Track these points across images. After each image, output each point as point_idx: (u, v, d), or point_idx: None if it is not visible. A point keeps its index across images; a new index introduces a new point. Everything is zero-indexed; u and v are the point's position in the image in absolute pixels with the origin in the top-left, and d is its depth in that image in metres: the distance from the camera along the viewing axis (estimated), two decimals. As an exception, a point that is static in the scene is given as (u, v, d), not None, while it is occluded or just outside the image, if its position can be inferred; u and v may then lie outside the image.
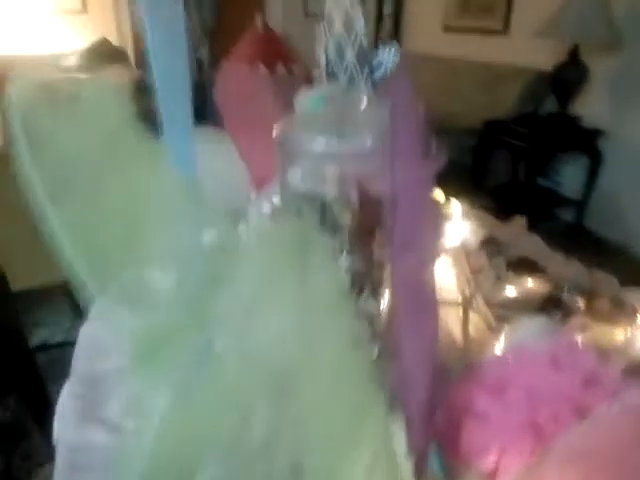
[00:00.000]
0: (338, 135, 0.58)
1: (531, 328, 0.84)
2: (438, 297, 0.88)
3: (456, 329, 0.86)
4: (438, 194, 0.99)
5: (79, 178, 0.26)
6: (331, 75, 0.87)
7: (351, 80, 0.82)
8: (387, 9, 4.59)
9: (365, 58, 0.76)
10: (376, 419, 0.37)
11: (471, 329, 0.86)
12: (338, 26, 0.81)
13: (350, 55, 0.80)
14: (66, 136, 0.25)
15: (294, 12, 4.67)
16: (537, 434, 0.38)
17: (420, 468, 0.43)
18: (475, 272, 0.97)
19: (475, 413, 0.41)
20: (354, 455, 0.36)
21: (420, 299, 0.46)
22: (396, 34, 4.54)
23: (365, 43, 0.76)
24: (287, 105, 0.83)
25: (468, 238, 1.07)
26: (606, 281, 1.05)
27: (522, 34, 3.16)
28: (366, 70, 0.77)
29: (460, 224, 0.95)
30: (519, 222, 1.30)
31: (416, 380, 0.45)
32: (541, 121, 2.97)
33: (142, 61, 4.57)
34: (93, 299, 0.26)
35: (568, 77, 2.73)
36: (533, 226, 3.31)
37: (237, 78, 1.03)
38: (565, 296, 0.98)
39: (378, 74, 0.76)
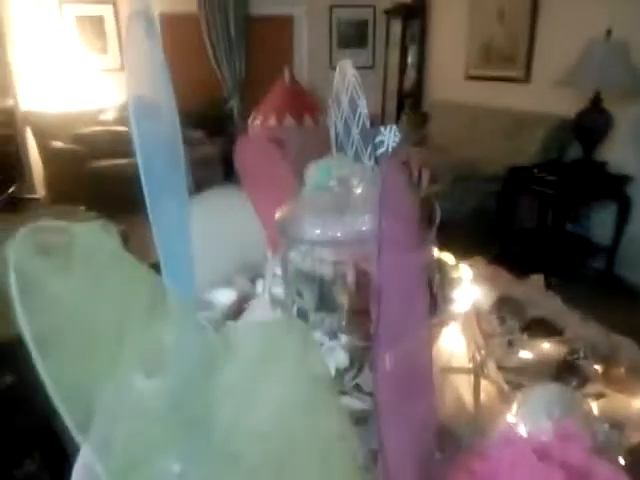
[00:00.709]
0: (337, 217, 0.61)
1: (544, 397, 0.83)
2: (448, 364, 0.88)
3: (467, 395, 0.86)
4: (448, 258, 1.00)
5: (71, 325, 0.29)
6: (340, 149, 0.92)
7: (357, 155, 0.86)
8: (411, 58, 4.73)
9: (368, 136, 0.80)
10: None
11: (482, 396, 0.85)
12: (344, 105, 0.86)
13: (355, 132, 0.84)
14: (60, 286, 0.28)
15: (320, 64, 4.85)
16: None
17: None
18: (487, 337, 0.97)
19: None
20: None
21: (410, 386, 0.47)
22: (420, 83, 4.64)
23: (367, 123, 0.80)
24: (311, 157, 0.87)
25: (480, 301, 1.07)
26: (624, 345, 1.02)
27: (543, 82, 3.19)
28: (370, 147, 0.81)
29: (470, 288, 0.96)
30: (536, 280, 1.29)
31: (403, 466, 0.46)
32: (566, 167, 2.96)
33: (178, 114, 4.80)
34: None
35: (591, 124, 2.73)
36: (563, 273, 3.25)
37: (255, 149, 1.09)
38: (581, 361, 0.96)
39: (380, 152, 0.80)
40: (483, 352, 0.87)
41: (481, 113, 3.64)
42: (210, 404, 0.40)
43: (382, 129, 0.78)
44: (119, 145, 3.80)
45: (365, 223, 0.61)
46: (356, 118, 0.82)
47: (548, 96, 3.14)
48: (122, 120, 4.09)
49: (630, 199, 2.84)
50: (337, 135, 0.90)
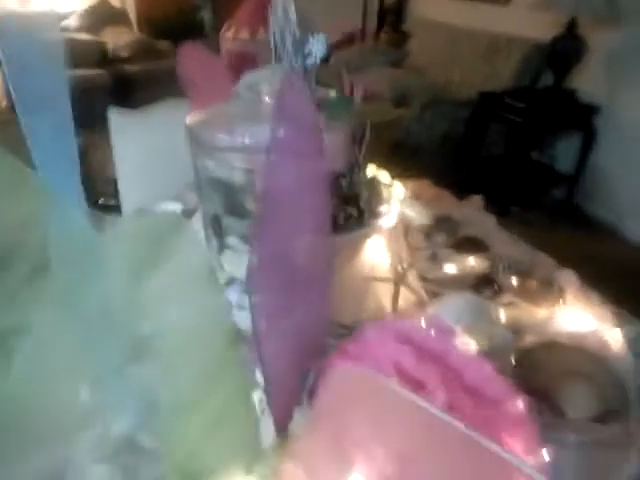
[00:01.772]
0: (247, 125, 0.63)
1: (454, 304, 0.90)
2: (371, 274, 0.94)
3: (387, 303, 0.92)
4: (382, 176, 1.03)
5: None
6: (278, 59, 0.91)
7: (291, 66, 0.86)
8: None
9: (298, 47, 0.80)
10: (231, 376, 0.44)
11: (402, 303, 0.92)
12: (279, 13, 0.85)
13: (288, 43, 0.84)
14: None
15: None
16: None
17: (282, 426, 0.50)
18: (413, 250, 1.02)
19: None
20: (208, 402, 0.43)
21: (292, 286, 0.51)
22: (401, 1, 4.44)
23: (297, 33, 0.80)
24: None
25: (415, 218, 1.12)
26: (544, 262, 1.10)
27: (522, 4, 3.09)
28: (300, 57, 0.81)
29: (401, 205, 1.00)
30: (475, 201, 1.34)
31: (282, 370, 0.50)
32: (536, 95, 2.94)
33: (144, 24, 4.53)
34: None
35: (564, 50, 2.69)
36: (525, 201, 3.32)
37: (197, 58, 1.07)
38: (500, 275, 1.04)
39: (309, 62, 0.81)
40: (405, 264, 0.93)
41: (461, 34, 3.54)
42: (99, 293, 0.44)
43: (310, 38, 0.77)
44: (82, 55, 3.61)
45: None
46: (289, 27, 0.81)
47: (525, 19, 3.05)
48: (86, 28, 3.87)
49: (596, 129, 2.86)
50: (276, 46, 0.90)
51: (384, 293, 0.94)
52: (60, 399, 0.59)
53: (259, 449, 0.46)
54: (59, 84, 0.39)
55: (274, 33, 0.90)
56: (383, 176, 1.04)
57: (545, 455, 0.51)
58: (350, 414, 0.36)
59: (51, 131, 0.38)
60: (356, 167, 0.91)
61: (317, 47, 0.78)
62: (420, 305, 0.94)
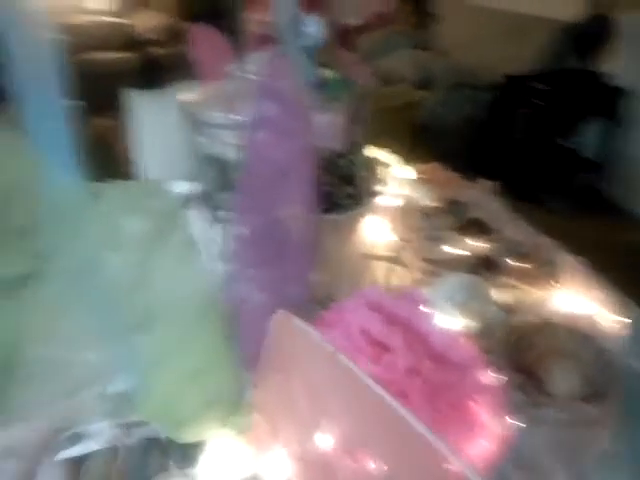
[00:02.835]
0: (241, 103, 0.66)
1: (449, 283, 0.92)
2: (368, 251, 0.96)
3: (382, 280, 0.95)
4: (384, 156, 1.05)
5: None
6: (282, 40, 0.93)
7: (289, 45, 0.88)
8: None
9: (296, 27, 0.82)
10: (210, 332, 0.48)
11: (396, 281, 0.94)
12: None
13: (286, 23, 0.86)
14: None
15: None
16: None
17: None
18: (413, 230, 1.04)
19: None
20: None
21: (270, 252, 0.55)
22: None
23: (296, 14, 0.81)
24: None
25: (417, 198, 1.13)
26: (547, 246, 1.10)
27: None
28: (299, 39, 0.83)
29: (403, 186, 1.02)
30: (485, 185, 1.34)
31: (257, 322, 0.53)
32: (563, 78, 2.87)
33: (173, 7, 4.57)
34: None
35: (593, 31, 2.62)
36: (550, 188, 3.25)
37: (206, 39, 1.09)
38: (499, 258, 1.04)
39: (307, 43, 0.82)
40: (403, 243, 0.95)
41: (486, 15, 3.46)
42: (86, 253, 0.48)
43: (306, 20, 0.79)
44: (111, 38, 3.69)
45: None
46: (287, 9, 0.83)
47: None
48: (115, 11, 3.94)
49: (624, 114, 2.78)
50: (280, 28, 0.92)
51: (381, 272, 0.96)
52: (67, 356, 0.64)
53: (236, 403, 0.50)
54: (48, 53, 0.41)
55: (275, 14, 0.92)
56: (385, 157, 1.05)
57: (511, 424, 0.53)
58: (290, 365, 0.39)
59: (43, 101, 0.41)
60: (355, 147, 0.93)
61: (314, 28, 0.79)
62: (416, 284, 0.96)
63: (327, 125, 0.91)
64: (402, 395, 0.44)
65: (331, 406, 0.38)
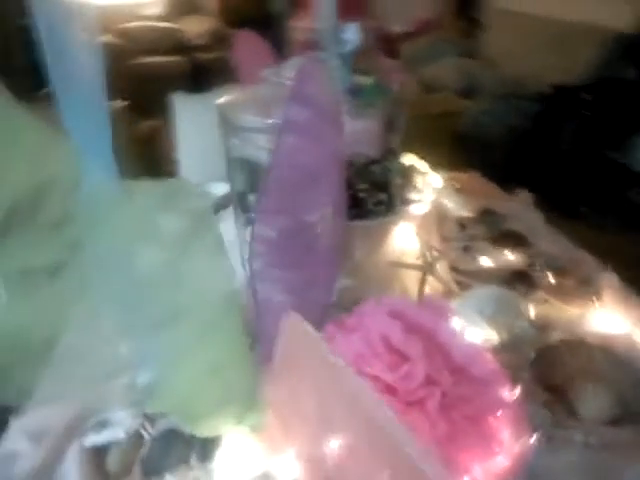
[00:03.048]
0: (274, 107, 0.67)
1: (480, 296, 0.90)
2: (399, 260, 0.95)
3: (414, 289, 0.94)
4: (420, 165, 1.04)
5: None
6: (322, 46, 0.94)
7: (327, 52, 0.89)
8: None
9: (334, 35, 0.83)
10: (230, 329, 0.49)
11: (426, 291, 0.93)
12: (322, 3, 0.88)
13: (325, 30, 0.87)
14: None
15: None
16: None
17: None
18: (445, 240, 1.03)
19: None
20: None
21: (294, 255, 0.55)
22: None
23: (334, 21, 0.82)
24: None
25: (451, 208, 1.12)
26: (585, 261, 1.06)
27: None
28: (336, 45, 0.84)
29: (437, 195, 1.00)
30: (524, 197, 1.30)
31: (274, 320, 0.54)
32: (613, 89, 2.77)
33: (222, 13, 4.69)
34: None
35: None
36: (598, 202, 3.13)
37: (249, 44, 1.12)
38: (535, 272, 1.01)
39: (346, 49, 0.83)
40: (435, 252, 0.94)
41: (535, 24, 3.38)
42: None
43: (345, 27, 0.80)
44: (161, 42, 3.81)
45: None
46: (327, 15, 0.84)
47: (605, 7, 2.87)
48: (166, 16, 4.07)
49: (680, 128, 2.66)
50: (321, 34, 0.93)
51: (411, 280, 0.95)
52: (96, 345, 0.66)
53: (253, 400, 0.51)
54: (90, 53, 0.43)
55: (317, 21, 0.93)
56: (422, 165, 1.04)
57: (531, 442, 0.52)
58: (299, 368, 0.39)
59: (82, 101, 0.43)
60: (390, 154, 0.92)
61: (352, 35, 0.80)
62: (447, 295, 0.94)
63: (361, 131, 0.91)
64: (418, 404, 0.44)
65: (336, 413, 0.38)
